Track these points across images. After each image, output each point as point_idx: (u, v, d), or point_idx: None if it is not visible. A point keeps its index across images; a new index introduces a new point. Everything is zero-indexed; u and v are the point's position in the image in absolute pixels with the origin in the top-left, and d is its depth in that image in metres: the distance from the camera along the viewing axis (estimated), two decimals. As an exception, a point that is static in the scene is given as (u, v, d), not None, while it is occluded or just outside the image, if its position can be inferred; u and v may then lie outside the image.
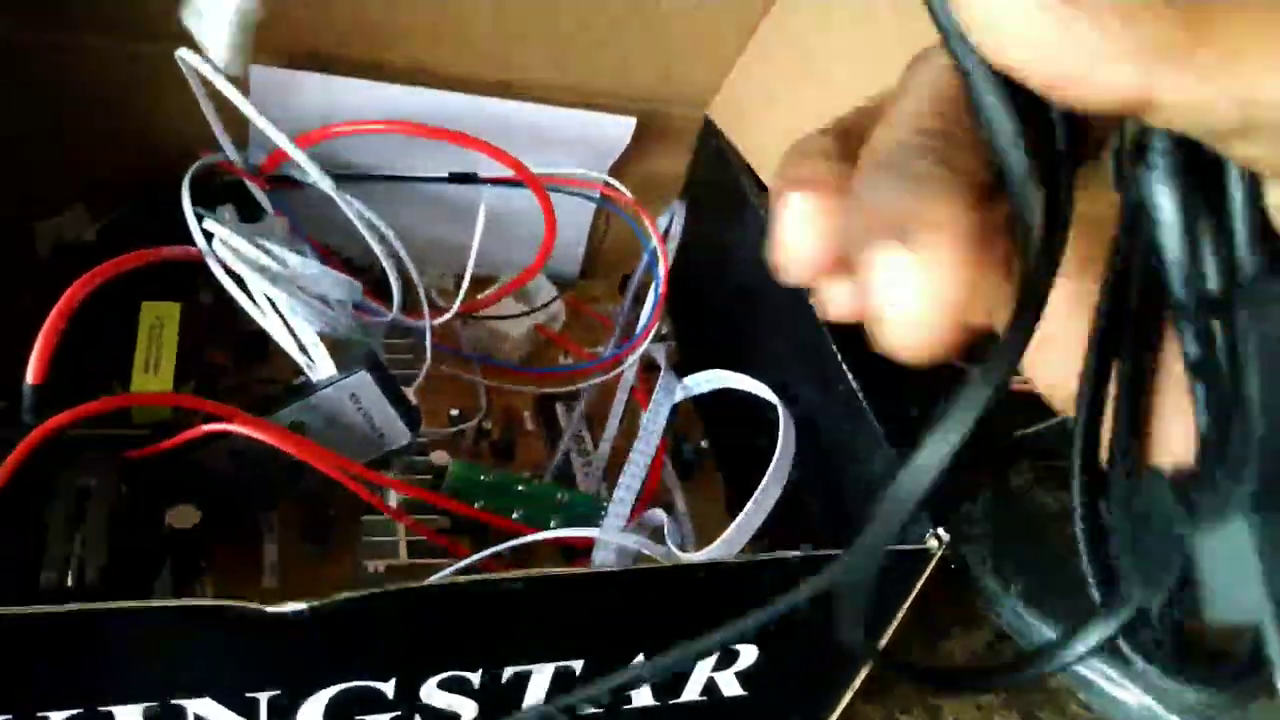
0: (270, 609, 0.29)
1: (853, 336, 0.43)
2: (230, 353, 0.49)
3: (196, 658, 0.30)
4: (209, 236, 0.41)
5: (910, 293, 0.16)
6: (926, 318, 0.16)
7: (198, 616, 0.29)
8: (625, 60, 0.53)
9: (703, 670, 0.37)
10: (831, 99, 0.48)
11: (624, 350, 0.53)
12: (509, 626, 0.33)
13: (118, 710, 0.30)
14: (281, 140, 0.41)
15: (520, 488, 0.43)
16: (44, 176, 0.49)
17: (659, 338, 0.56)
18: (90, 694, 0.30)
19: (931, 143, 0.17)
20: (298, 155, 0.41)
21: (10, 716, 0.29)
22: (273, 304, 0.40)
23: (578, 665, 0.35)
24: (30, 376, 0.34)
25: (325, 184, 0.42)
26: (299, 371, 0.41)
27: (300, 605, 0.29)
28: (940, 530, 0.36)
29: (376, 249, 0.43)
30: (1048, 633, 0.48)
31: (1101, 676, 0.47)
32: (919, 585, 0.37)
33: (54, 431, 0.34)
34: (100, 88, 0.49)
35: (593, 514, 0.44)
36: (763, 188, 0.52)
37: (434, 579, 0.36)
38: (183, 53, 0.42)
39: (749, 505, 0.40)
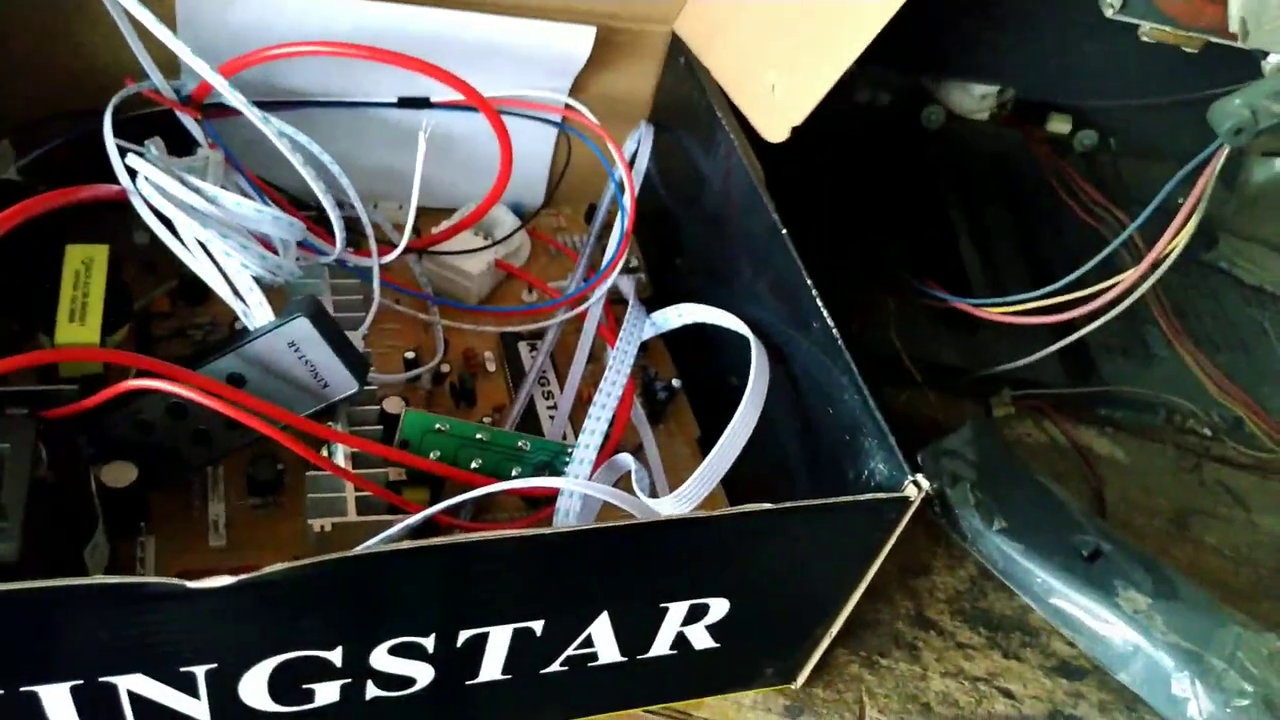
0: (191, 584, 0.27)
1: (829, 272, 0.41)
2: (168, 296, 0.46)
3: (121, 634, 0.28)
4: (134, 174, 0.38)
5: None
6: None
7: (116, 594, 0.27)
8: (586, -29, 0.49)
9: (672, 624, 0.35)
10: (786, 14, 0.45)
11: (590, 285, 0.50)
12: (461, 589, 0.32)
13: (42, 690, 0.29)
14: (199, 65, 0.37)
15: (479, 436, 0.40)
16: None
17: (627, 270, 0.53)
18: (10, 674, 0.28)
19: None
20: (217, 81, 0.38)
21: (-77, 701, 0.27)
22: (204, 247, 0.37)
23: (538, 626, 0.33)
24: (-67, 333, 0.31)
25: (250, 111, 0.38)
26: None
27: (225, 579, 0.27)
28: (919, 477, 0.34)
29: (312, 183, 0.40)
30: (1031, 568, 0.47)
31: (1085, 613, 0.45)
32: (898, 532, 0.35)
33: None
34: (22, 13, 0.45)
35: (557, 461, 0.42)
36: (734, 108, 0.48)
37: (380, 537, 0.34)
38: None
39: (718, 445, 0.38)
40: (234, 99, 0.38)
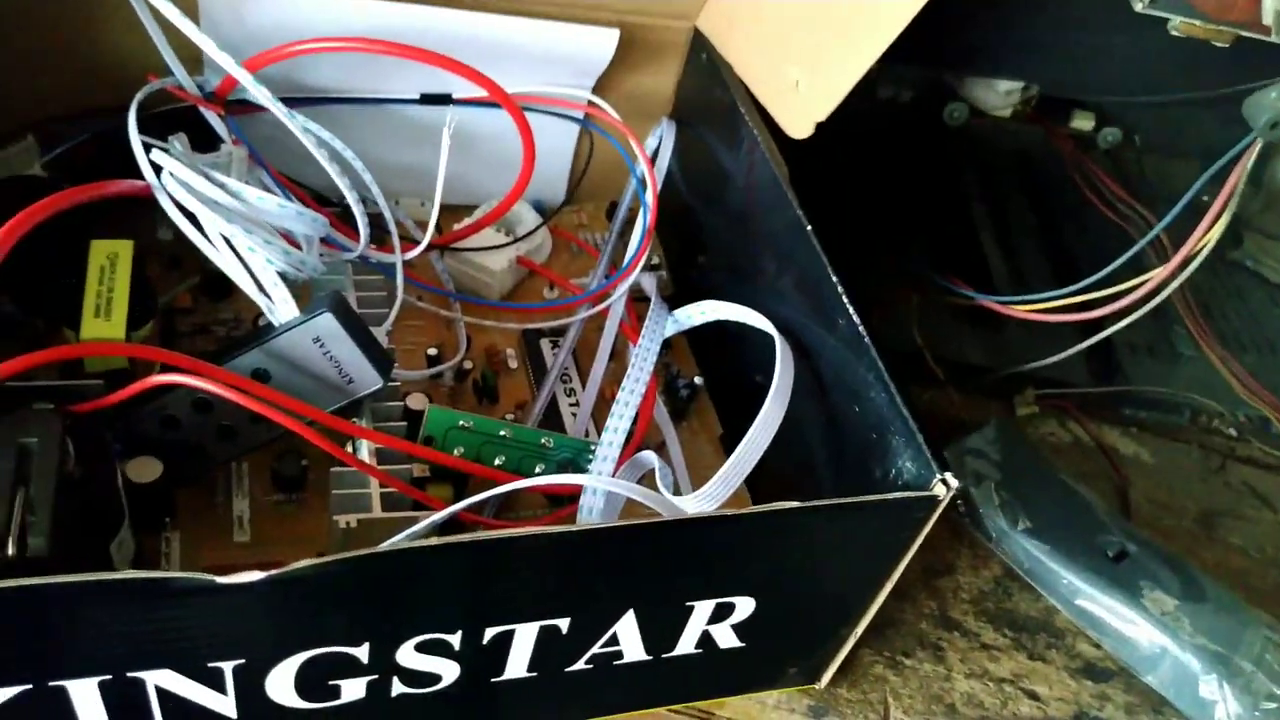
0: (221, 580, 0.27)
1: (855, 269, 0.40)
2: (191, 292, 0.46)
3: (149, 630, 0.28)
4: (158, 170, 0.38)
5: None
6: None
7: (144, 589, 0.27)
8: (608, -32, 0.49)
9: (697, 623, 0.35)
10: (810, 8, 0.45)
11: (612, 281, 0.50)
12: (486, 586, 0.31)
13: (70, 684, 0.29)
14: (225, 61, 0.37)
15: (502, 433, 0.40)
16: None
17: (649, 267, 0.53)
18: (39, 669, 0.28)
19: None
20: (243, 77, 0.38)
21: (-47, 695, 0.27)
22: (229, 242, 0.37)
23: (564, 623, 0.33)
24: (-39, 327, 0.31)
25: (276, 108, 0.38)
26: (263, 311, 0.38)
27: (255, 575, 0.27)
28: (948, 476, 0.33)
29: (336, 179, 0.40)
30: (1057, 568, 0.46)
31: (1111, 614, 0.45)
32: (925, 531, 0.35)
33: (-6, 385, 0.32)
34: (48, 9, 0.45)
35: (580, 458, 0.41)
36: (757, 104, 0.48)
37: (405, 534, 0.34)
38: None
39: (743, 443, 0.38)
40: (258, 93, 0.38)
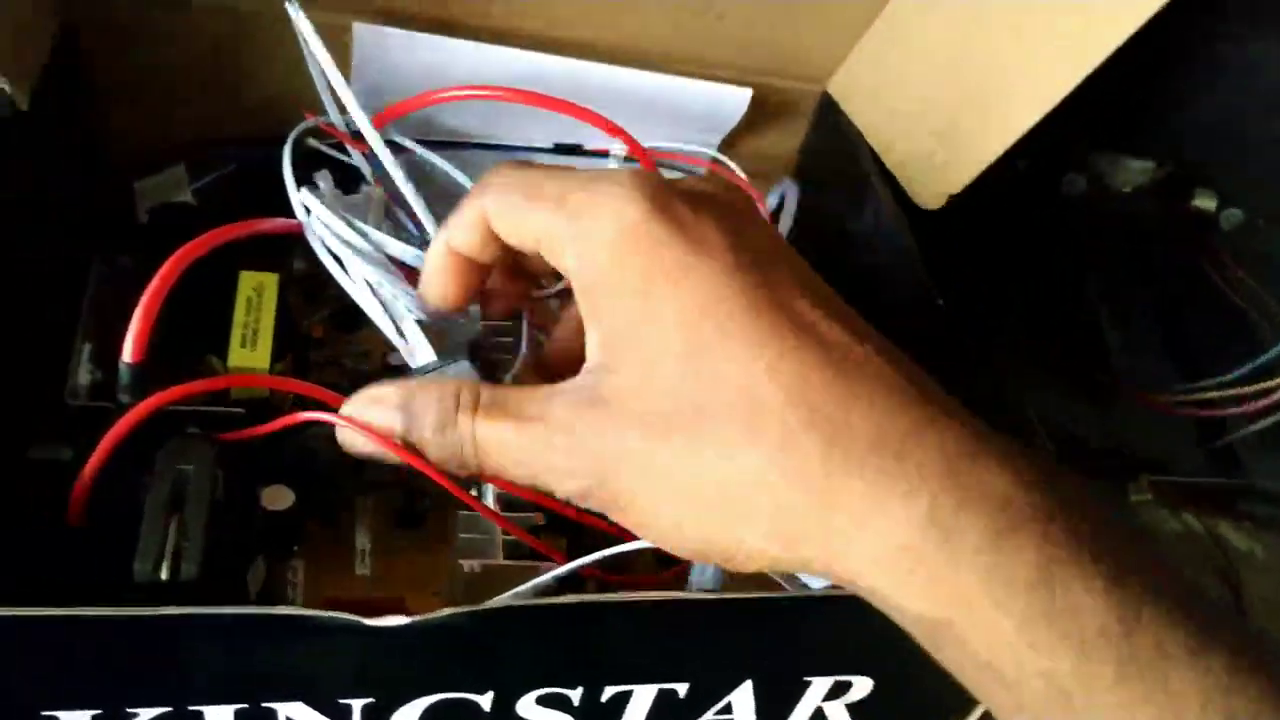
0: (368, 622, 0.27)
1: (989, 337, 0.40)
2: (324, 324, 0.47)
3: (289, 663, 0.29)
4: (306, 209, 0.40)
5: None
6: None
7: (292, 625, 0.27)
8: (744, 29, 0.50)
9: (813, 699, 0.35)
10: (953, 81, 0.44)
11: (728, 338, 0.50)
12: (611, 647, 0.32)
13: (208, 710, 0.29)
14: (358, 115, 0.39)
15: (621, 486, 0.40)
16: (146, 134, 0.48)
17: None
18: (180, 693, 0.29)
19: None
20: (369, 133, 0.39)
21: (100, 712, 0.28)
22: (369, 284, 0.38)
23: (682, 688, 0.33)
24: (128, 354, 0.33)
25: (395, 171, 0.40)
26: (390, 344, 0.39)
27: (401, 619, 0.27)
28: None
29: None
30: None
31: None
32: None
33: (151, 411, 0.33)
34: (206, 42, 0.47)
35: (694, 516, 0.41)
36: (883, 168, 0.48)
37: (531, 585, 0.34)
38: (292, 8, 0.40)
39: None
40: (384, 156, 0.40)
